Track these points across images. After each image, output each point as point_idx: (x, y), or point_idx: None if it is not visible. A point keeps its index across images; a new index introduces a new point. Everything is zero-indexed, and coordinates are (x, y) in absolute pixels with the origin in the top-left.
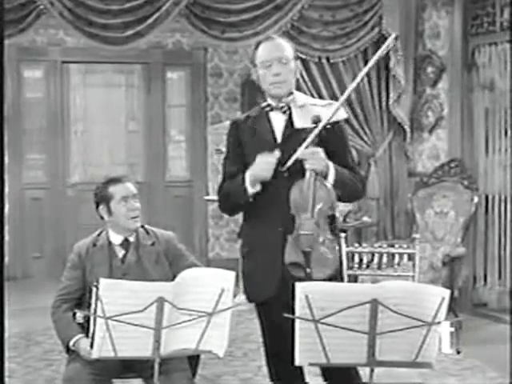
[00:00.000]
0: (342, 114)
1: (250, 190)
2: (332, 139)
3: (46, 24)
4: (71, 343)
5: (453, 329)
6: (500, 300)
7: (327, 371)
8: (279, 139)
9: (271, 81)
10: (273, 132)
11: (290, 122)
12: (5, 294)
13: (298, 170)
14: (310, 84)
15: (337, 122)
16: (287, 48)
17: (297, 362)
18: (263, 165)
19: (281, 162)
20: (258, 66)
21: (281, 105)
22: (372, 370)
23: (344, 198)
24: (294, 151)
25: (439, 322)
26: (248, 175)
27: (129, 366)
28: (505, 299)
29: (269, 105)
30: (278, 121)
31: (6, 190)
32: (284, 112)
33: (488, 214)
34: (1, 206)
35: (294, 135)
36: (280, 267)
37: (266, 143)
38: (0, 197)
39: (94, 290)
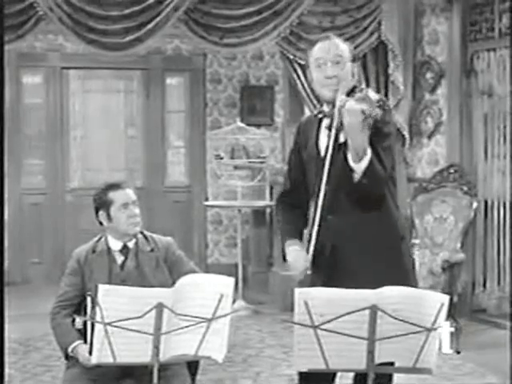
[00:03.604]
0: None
1: None
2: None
3: (46, 30)
4: (70, 349)
5: (453, 329)
6: (499, 306)
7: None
8: (322, 153)
9: (324, 83)
10: (317, 144)
11: (336, 134)
12: (4, 299)
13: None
14: (309, 90)
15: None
16: (344, 48)
17: (296, 368)
18: (294, 264)
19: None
20: (312, 66)
21: (331, 112)
22: (371, 376)
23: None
24: (337, 168)
25: (438, 328)
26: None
27: (128, 372)
28: (504, 305)
29: (321, 111)
30: (325, 132)
31: (5, 195)
32: (330, 126)
33: (487, 220)
34: (1, 211)
35: (336, 149)
36: (326, 272)
37: (311, 156)
38: (0, 202)
39: (89, 298)
